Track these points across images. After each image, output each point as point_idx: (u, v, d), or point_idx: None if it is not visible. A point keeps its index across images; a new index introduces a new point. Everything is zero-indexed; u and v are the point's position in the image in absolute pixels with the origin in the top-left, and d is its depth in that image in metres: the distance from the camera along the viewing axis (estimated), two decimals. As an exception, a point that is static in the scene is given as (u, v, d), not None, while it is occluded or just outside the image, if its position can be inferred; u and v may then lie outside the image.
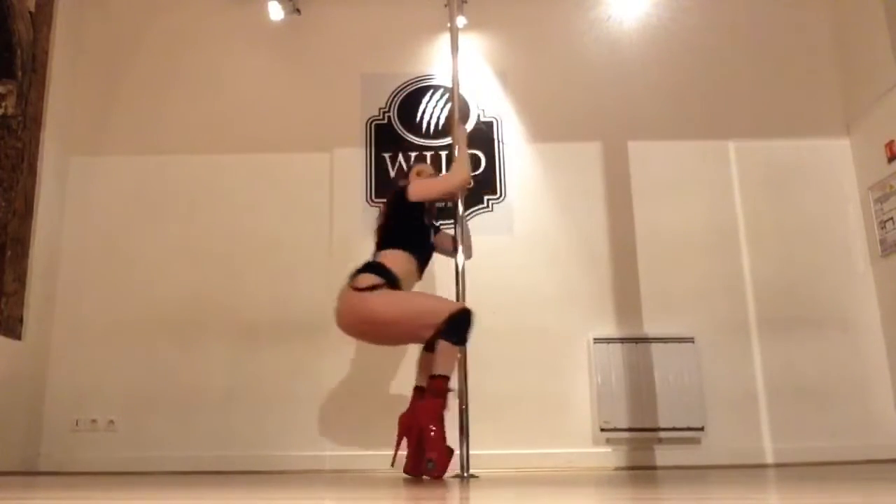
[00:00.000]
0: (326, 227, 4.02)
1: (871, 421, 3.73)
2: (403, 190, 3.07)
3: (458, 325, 2.83)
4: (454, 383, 3.04)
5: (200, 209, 4.06)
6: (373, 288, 2.83)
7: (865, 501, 1.36)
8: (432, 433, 2.77)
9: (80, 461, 3.69)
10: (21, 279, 3.65)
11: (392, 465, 2.89)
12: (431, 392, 2.82)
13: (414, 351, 3.72)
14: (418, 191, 3.04)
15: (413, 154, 4.13)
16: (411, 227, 3.06)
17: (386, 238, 3.04)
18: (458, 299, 3.11)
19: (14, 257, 3.61)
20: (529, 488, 2.12)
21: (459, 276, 3.17)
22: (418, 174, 3.25)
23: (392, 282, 2.88)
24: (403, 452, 2.90)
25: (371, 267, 2.93)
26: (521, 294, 3.89)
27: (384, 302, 2.83)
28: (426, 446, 2.79)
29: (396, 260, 2.95)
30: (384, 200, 3.27)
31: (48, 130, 3.89)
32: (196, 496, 1.80)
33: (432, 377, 2.82)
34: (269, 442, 3.72)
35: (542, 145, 4.16)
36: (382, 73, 4.26)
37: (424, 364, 3.03)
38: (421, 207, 3.06)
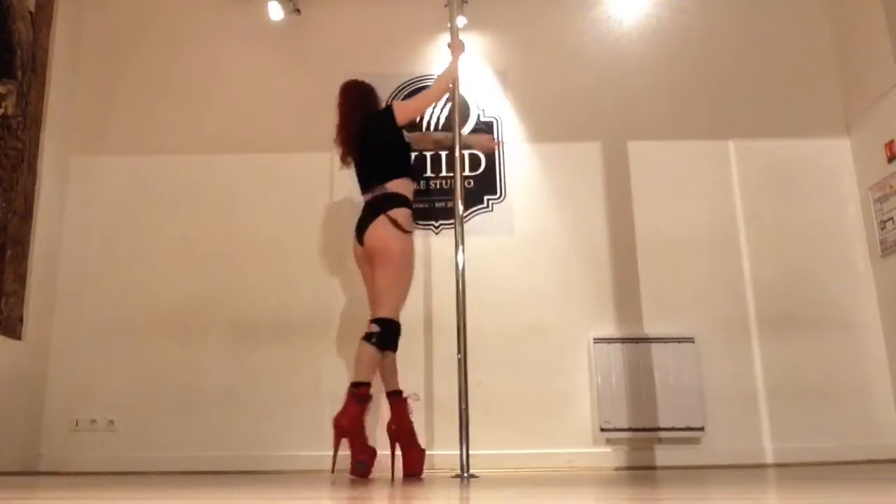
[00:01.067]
0: (326, 227, 4.02)
1: (871, 421, 3.73)
2: (389, 111, 3.21)
3: (392, 333, 3.02)
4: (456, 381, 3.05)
5: (200, 209, 4.06)
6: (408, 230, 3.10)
7: (865, 501, 1.36)
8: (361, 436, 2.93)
9: (80, 461, 3.69)
10: (21, 279, 3.65)
11: (392, 477, 2.93)
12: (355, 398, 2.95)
13: (415, 353, 3.72)
14: (405, 112, 3.21)
15: (413, 154, 4.12)
16: (406, 152, 3.25)
17: (389, 165, 3.18)
18: (458, 299, 3.12)
19: (14, 257, 3.61)
20: (529, 488, 2.12)
21: (459, 275, 3.17)
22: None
23: (413, 211, 3.18)
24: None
25: (399, 200, 3.11)
26: (522, 294, 3.89)
27: (400, 249, 3.06)
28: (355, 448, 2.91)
29: (408, 189, 3.18)
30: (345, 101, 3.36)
31: (48, 130, 3.89)
32: (196, 496, 1.80)
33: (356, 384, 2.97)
34: (268, 442, 3.73)
35: (542, 145, 4.15)
36: (382, 73, 4.25)
37: (385, 370, 3.12)
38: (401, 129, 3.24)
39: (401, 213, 3.09)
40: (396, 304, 3.06)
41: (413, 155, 3.34)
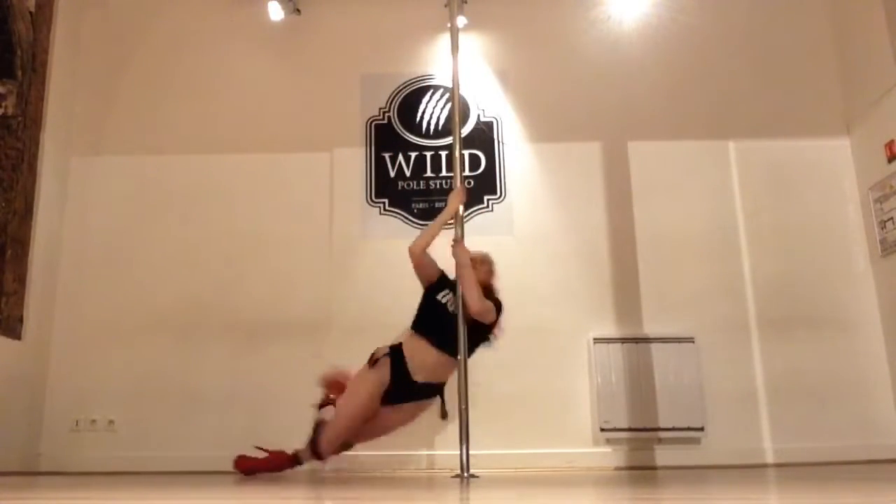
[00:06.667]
0: (326, 227, 4.02)
1: (871, 421, 3.73)
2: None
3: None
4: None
5: (200, 209, 4.06)
6: None
7: (865, 501, 1.36)
8: None
9: (80, 461, 3.69)
10: (21, 279, 3.65)
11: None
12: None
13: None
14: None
15: (412, 154, 4.13)
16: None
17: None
18: (458, 299, 3.11)
19: (14, 257, 3.61)
20: (529, 488, 2.12)
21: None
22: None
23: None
24: None
25: None
26: (522, 294, 3.88)
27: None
28: None
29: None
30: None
31: (48, 130, 3.89)
32: (196, 496, 1.80)
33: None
34: (268, 442, 3.72)
35: (542, 145, 4.15)
36: (382, 73, 4.26)
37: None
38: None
39: None
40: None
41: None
